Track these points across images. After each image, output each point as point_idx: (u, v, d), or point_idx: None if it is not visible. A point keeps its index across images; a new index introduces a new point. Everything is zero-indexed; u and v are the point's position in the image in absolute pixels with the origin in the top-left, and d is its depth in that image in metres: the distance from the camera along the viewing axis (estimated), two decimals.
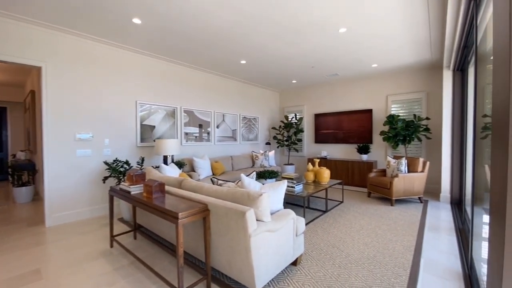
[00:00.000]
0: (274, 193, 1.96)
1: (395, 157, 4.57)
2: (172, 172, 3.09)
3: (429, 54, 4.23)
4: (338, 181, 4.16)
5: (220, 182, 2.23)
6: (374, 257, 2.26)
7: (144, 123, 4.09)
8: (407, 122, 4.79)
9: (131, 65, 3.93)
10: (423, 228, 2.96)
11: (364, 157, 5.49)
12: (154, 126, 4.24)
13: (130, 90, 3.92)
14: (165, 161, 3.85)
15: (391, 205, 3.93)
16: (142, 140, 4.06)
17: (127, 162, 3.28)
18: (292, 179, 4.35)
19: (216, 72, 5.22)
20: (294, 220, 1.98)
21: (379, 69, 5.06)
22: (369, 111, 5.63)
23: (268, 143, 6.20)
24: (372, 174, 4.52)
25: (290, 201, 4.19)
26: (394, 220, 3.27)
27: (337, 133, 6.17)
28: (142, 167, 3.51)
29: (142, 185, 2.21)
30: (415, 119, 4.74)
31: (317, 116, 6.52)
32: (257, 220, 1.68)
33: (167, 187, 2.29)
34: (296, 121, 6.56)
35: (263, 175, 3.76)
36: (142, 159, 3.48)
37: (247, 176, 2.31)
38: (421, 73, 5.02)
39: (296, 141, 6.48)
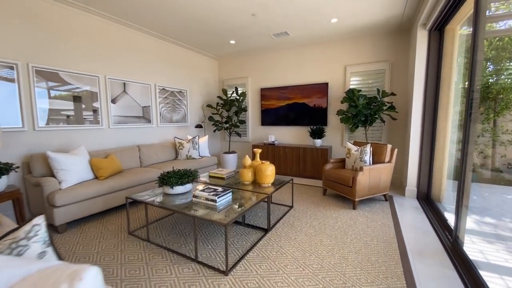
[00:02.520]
0: None
1: (356, 143, 3.59)
2: None
3: (402, 6, 3.18)
4: (288, 178, 2.96)
5: None
6: None
7: None
8: (369, 99, 3.83)
9: None
10: (406, 256, 1.96)
11: (318, 142, 4.45)
12: None
13: None
14: None
15: (354, 208, 2.94)
16: None
17: None
18: (222, 178, 2.97)
19: (108, 13, 3.28)
20: None
21: (338, 28, 3.89)
22: (325, 85, 4.53)
23: (199, 126, 4.65)
24: (328, 166, 3.46)
25: None
26: (363, 239, 2.22)
27: (287, 113, 4.98)
28: None
29: None
30: (379, 95, 3.80)
31: (264, 92, 5.19)
32: None
33: None
34: (237, 97, 5.10)
35: (167, 180, 2.26)
36: None
37: None
38: (386, 38, 4.05)
39: (237, 123, 5.08)
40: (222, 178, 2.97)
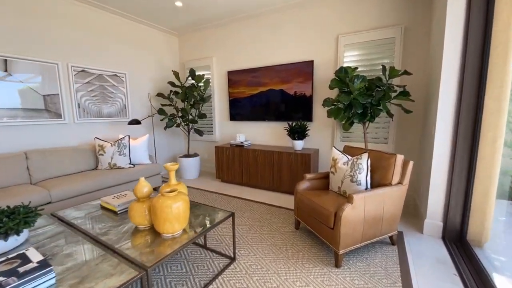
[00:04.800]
0: None
1: (347, 150, 2.33)
2: None
3: None
4: (226, 214, 1.75)
5: None
6: None
7: None
8: (369, 82, 2.55)
9: None
10: None
11: (299, 144, 3.20)
12: None
13: None
14: None
15: (336, 265, 1.72)
16: None
17: None
18: (115, 213, 1.78)
19: None
20: None
21: None
22: (309, 64, 3.25)
23: (135, 122, 3.45)
24: (302, 185, 2.22)
25: None
26: None
27: (260, 103, 3.73)
28: None
29: None
30: (385, 75, 2.51)
31: (232, 76, 3.93)
32: None
33: None
34: (193, 82, 3.87)
35: None
36: None
37: None
38: None
39: (196, 118, 3.86)
40: (115, 212, 1.78)
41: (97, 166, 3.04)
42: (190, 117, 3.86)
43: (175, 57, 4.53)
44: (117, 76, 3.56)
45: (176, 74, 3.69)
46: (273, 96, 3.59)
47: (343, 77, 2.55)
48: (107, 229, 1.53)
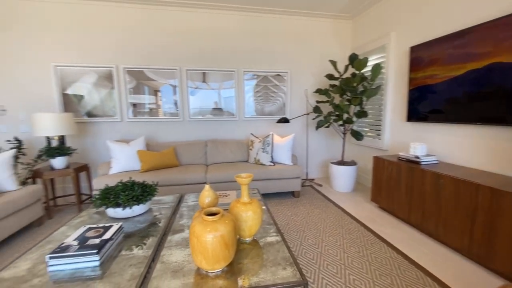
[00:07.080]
0: None
1: None
2: None
3: None
4: (293, 279, 1.08)
5: None
6: None
7: (67, 92, 3.14)
8: None
9: (46, 14, 2.98)
10: None
11: None
12: (82, 96, 3.19)
13: (44, 49, 3.03)
14: (49, 144, 2.74)
15: None
16: None
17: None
18: None
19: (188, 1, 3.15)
20: None
21: None
22: None
23: (283, 121, 3.28)
24: None
25: None
26: None
27: (470, 92, 2.08)
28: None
29: None
30: None
31: (418, 52, 2.57)
32: None
33: None
34: (355, 71, 3.00)
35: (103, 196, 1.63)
36: (17, 140, 2.62)
37: None
38: None
39: (352, 117, 3.04)
40: None
41: (247, 160, 3.37)
42: (346, 115, 3.09)
43: (346, 45, 3.83)
44: (280, 75, 3.68)
45: (333, 64, 3.08)
46: (497, 76, 1.83)
47: None
48: (183, 229, 1.52)
